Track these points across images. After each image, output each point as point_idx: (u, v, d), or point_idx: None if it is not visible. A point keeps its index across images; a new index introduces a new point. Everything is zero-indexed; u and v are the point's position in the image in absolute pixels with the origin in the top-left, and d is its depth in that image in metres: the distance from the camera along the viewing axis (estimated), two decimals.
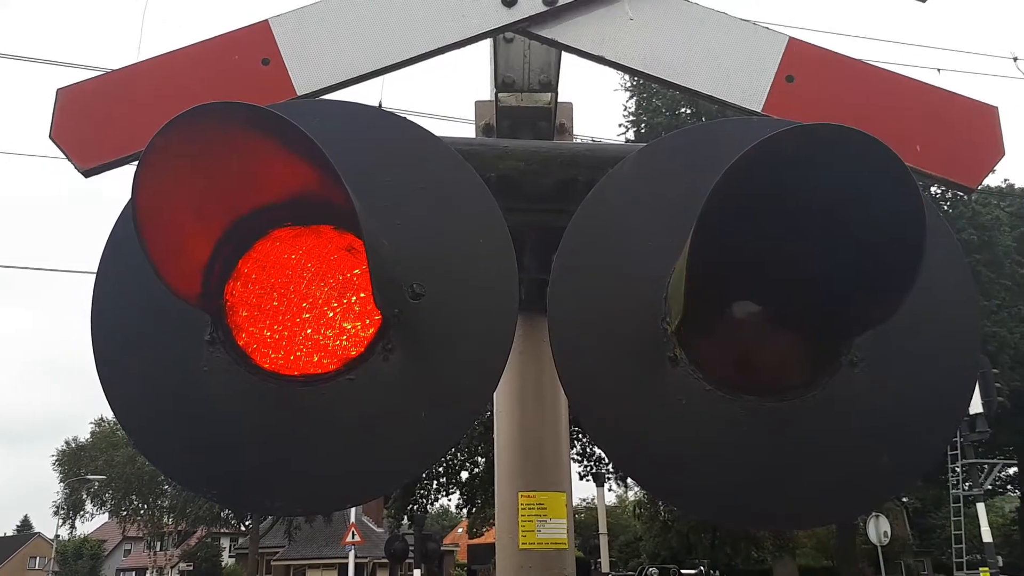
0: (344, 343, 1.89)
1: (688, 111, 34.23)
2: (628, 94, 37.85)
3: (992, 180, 40.31)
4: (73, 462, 61.38)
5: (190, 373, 1.83)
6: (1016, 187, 42.12)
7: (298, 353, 1.88)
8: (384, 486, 1.83)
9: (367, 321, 1.90)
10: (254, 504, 1.87)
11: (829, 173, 1.50)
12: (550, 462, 3.10)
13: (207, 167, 1.62)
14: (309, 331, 1.91)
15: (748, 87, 2.42)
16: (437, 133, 2.05)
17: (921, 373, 1.82)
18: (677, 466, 1.80)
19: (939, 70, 21.53)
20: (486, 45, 3.29)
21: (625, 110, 38.17)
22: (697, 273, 1.57)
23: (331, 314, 1.93)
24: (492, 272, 1.88)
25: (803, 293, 1.78)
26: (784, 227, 1.66)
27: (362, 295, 1.91)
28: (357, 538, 30.03)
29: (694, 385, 1.79)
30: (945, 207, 36.63)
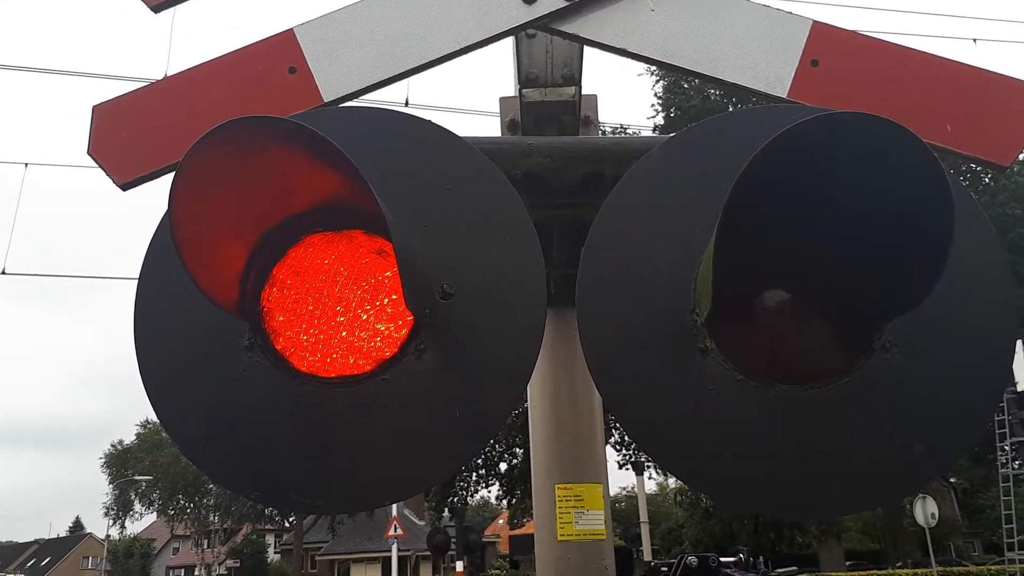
0: (378, 344, 1.92)
1: (718, 93, 33.85)
2: (655, 79, 37.59)
3: None
4: (120, 464, 62.85)
5: (230, 378, 1.88)
6: None
7: (334, 355, 1.92)
8: (420, 483, 1.87)
9: (400, 322, 1.93)
10: (295, 504, 1.92)
11: (854, 160, 1.49)
12: (585, 454, 3.12)
13: (239, 179, 1.66)
14: (344, 333, 1.95)
15: (772, 73, 2.40)
16: (464, 128, 2.07)
17: (956, 356, 1.80)
18: (710, 456, 1.81)
19: (975, 40, 20.99)
20: (509, 41, 3.31)
21: (654, 94, 37.93)
22: (724, 263, 1.57)
23: (364, 316, 1.97)
24: (520, 269, 1.90)
25: (832, 280, 1.77)
26: (810, 215, 1.66)
27: (394, 297, 1.94)
28: (399, 531, 30.38)
29: (725, 375, 1.80)
30: (987, 180, 35.81)
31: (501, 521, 70.11)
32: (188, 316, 1.92)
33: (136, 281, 2.02)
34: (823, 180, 1.56)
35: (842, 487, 1.80)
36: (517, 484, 41.17)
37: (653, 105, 37.90)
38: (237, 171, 1.62)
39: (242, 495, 2.01)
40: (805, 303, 1.86)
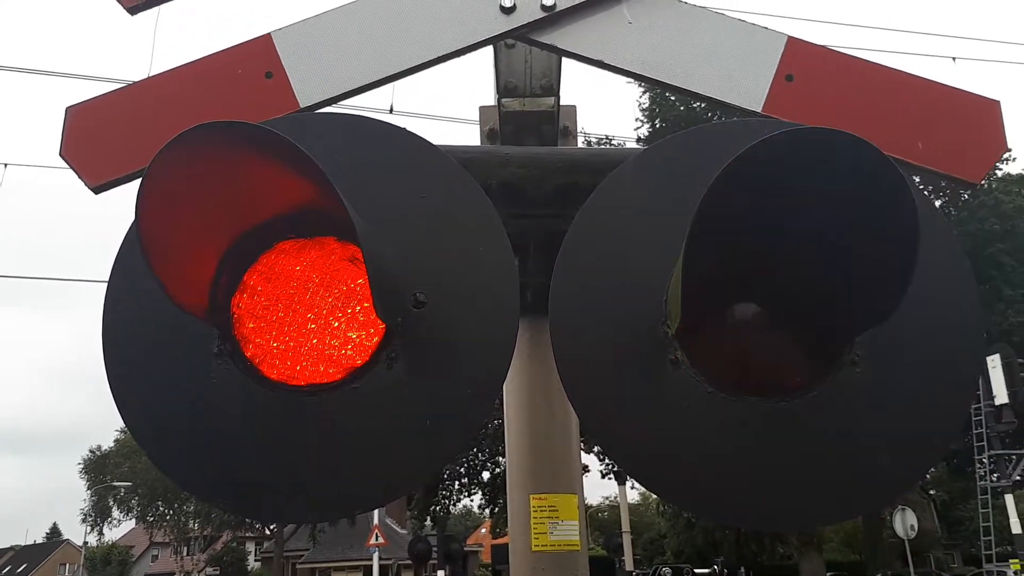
0: (349, 352, 1.91)
1: (702, 105, 34.09)
2: (641, 90, 37.80)
3: (1015, 168, 39.81)
4: (99, 469, 62.14)
5: (199, 385, 1.87)
6: None
7: (304, 363, 1.91)
8: (391, 493, 1.86)
9: (371, 330, 1.92)
10: (264, 512, 1.91)
11: (822, 175, 1.50)
12: (560, 465, 3.11)
13: (209, 184, 1.65)
14: (315, 341, 1.93)
15: (748, 87, 2.42)
16: (450, 136, 2.07)
17: (923, 370, 1.81)
18: (680, 468, 1.81)
19: (954, 59, 21.29)
20: (489, 50, 3.31)
21: (639, 106, 38.16)
22: (694, 276, 1.58)
23: (336, 324, 1.95)
24: (493, 278, 1.90)
25: (801, 294, 1.78)
26: (779, 229, 1.67)
27: (366, 305, 1.93)
28: (381, 540, 30.15)
29: (696, 387, 1.80)
30: (965, 196, 36.23)
31: (484, 530, 69.91)
32: (157, 323, 1.90)
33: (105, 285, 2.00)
34: (790, 194, 1.57)
35: (811, 499, 1.80)
36: (500, 493, 41.08)
37: (638, 117, 38.16)
38: (205, 176, 1.61)
39: (211, 503, 2.00)
40: (774, 316, 1.86)
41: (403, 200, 1.96)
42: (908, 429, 1.80)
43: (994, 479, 24.01)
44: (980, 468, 24.90)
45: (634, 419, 1.82)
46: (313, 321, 1.95)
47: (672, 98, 35.65)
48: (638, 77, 2.50)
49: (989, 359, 21.42)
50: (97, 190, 2.39)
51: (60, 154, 2.40)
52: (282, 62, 2.47)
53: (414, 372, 1.86)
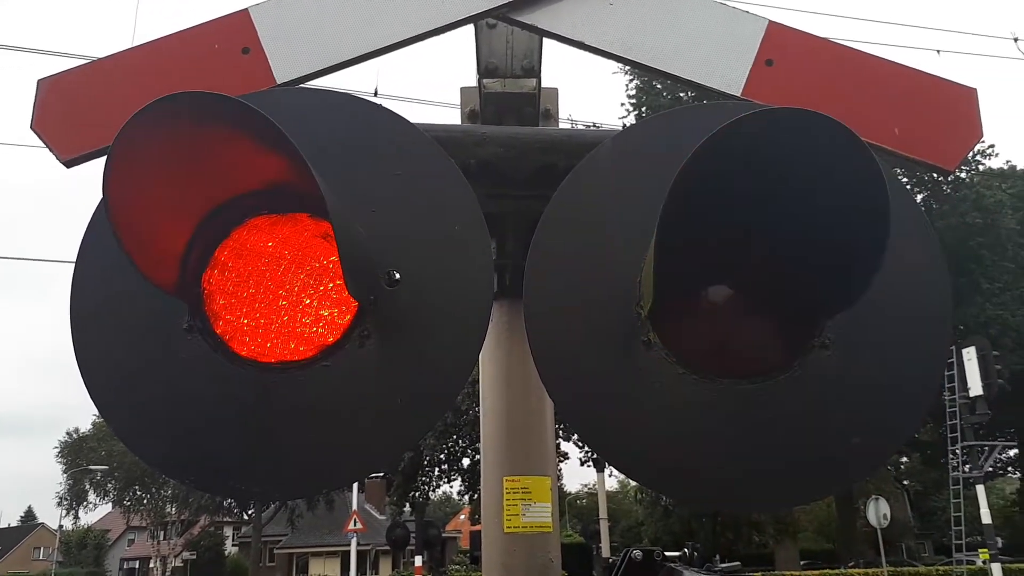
0: (320, 330, 1.90)
1: (690, 93, 34.11)
2: (629, 77, 37.78)
3: (995, 163, 40.27)
4: (75, 453, 61.65)
5: (168, 361, 1.85)
6: (1019, 169, 42.04)
7: (274, 340, 1.89)
8: (359, 471, 1.85)
9: (343, 308, 1.91)
10: (230, 490, 1.89)
11: (792, 157, 1.50)
12: (535, 446, 3.12)
13: (178, 157, 1.63)
14: (286, 318, 1.92)
15: (727, 72, 2.41)
16: (427, 119, 2.05)
17: (892, 354, 1.83)
18: (651, 449, 1.82)
19: (939, 51, 21.44)
20: (471, 30, 3.29)
21: (627, 94, 38.15)
22: (665, 257, 1.58)
23: (308, 301, 1.94)
24: (467, 258, 1.89)
25: (772, 276, 1.78)
26: (750, 210, 1.67)
27: (338, 282, 1.91)
28: (359, 525, 30.19)
29: (668, 368, 1.81)
30: (946, 190, 36.61)
31: (463, 516, 70.12)
32: (126, 299, 1.88)
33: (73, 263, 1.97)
34: (762, 175, 1.57)
35: (781, 480, 1.82)
36: (479, 480, 41.17)
37: (624, 104, 38.14)
38: (173, 149, 1.58)
39: (177, 480, 1.98)
40: (745, 299, 1.87)
41: (378, 178, 1.95)
42: (874, 413, 1.81)
43: (966, 470, 24.38)
44: (953, 459, 25.26)
45: (606, 399, 1.82)
46: (284, 298, 1.93)
47: (658, 86, 35.67)
48: (618, 59, 2.49)
49: (965, 351, 21.68)
50: (69, 164, 2.35)
51: (31, 127, 2.35)
52: (259, 38, 2.44)
53: (385, 350, 1.84)
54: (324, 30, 2.46)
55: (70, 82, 2.41)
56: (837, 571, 34.43)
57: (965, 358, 21.72)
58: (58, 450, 63.86)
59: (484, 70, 3.11)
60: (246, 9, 2.50)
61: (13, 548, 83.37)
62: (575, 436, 34.88)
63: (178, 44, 2.46)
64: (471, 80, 3.44)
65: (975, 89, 2.33)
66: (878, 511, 27.24)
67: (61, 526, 66.21)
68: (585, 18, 2.46)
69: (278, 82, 2.42)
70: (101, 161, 2.39)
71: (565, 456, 41.58)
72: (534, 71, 3.10)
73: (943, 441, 26.65)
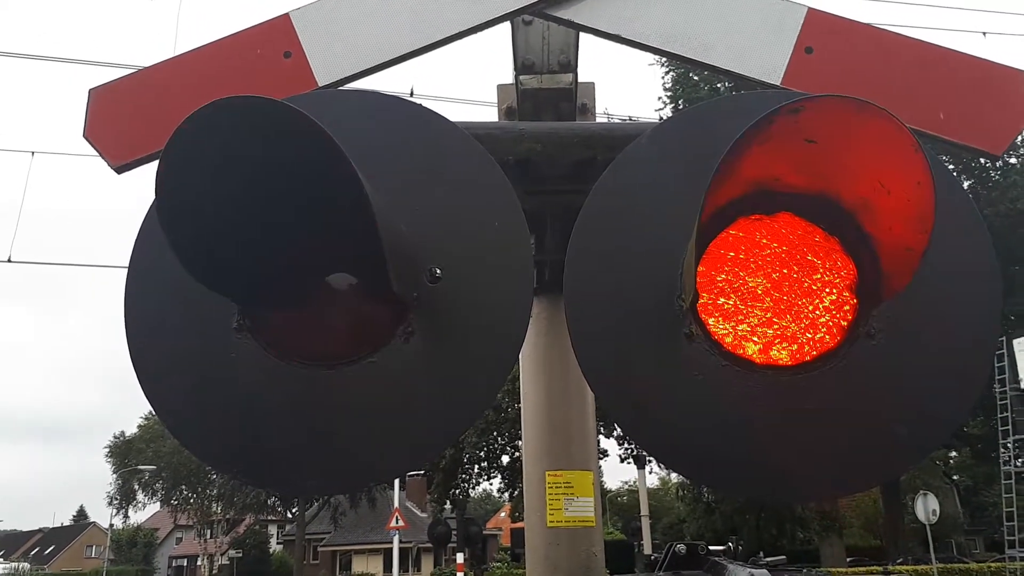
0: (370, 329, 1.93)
1: (728, 84, 33.64)
2: (665, 70, 37.42)
3: None
4: (124, 454, 63.05)
5: (220, 360, 1.90)
6: None
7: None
8: (405, 465, 1.88)
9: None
10: (282, 484, 1.94)
11: (828, 143, 1.49)
12: (576, 441, 3.13)
13: (230, 160, 1.67)
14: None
15: (767, 60, 2.39)
16: (464, 117, 2.07)
17: (939, 344, 1.80)
18: (695, 441, 1.81)
19: (984, 34, 20.85)
20: (507, 28, 3.30)
21: (663, 86, 37.82)
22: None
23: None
24: (507, 254, 1.91)
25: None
26: (792, 198, 1.66)
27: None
28: (401, 523, 30.42)
29: (710, 360, 1.80)
30: (995, 176, 35.62)
31: (503, 514, 70.26)
32: (178, 298, 1.93)
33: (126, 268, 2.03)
34: (797, 162, 1.56)
35: (826, 469, 1.81)
36: (519, 477, 41.22)
37: (660, 97, 37.81)
38: (225, 151, 1.62)
39: (230, 476, 2.03)
40: (787, 288, 1.86)
41: (419, 175, 1.97)
42: (920, 403, 1.79)
43: (1018, 464, 23.76)
44: (1004, 453, 24.64)
45: (648, 392, 1.83)
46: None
47: (695, 78, 35.25)
48: (656, 51, 2.49)
49: (1016, 342, 21.14)
50: (120, 170, 2.42)
51: (84, 135, 2.43)
52: (300, 41, 2.49)
53: (429, 346, 1.87)
54: (362, 33, 2.50)
55: (119, 91, 2.48)
56: (880, 567, 33.68)
57: (1016, 349, 21.17)
58: (107, 451, 65.44)
59: (521, 66, 3.12)
60: (287, 14, 2.55)
61: (67, 546, 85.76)
62: (615, 433, 34.75)
63: (221, 50, 2.52)
64: (504, 78, 3.46)
65: (1022, 71, 2.28)
66: (927, 507, 26.66)
67: (112, 525, 67.87)
68: (622, 12, 2.46)
69: (319, 84, 2.47)
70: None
71: (604, 453, 41.41)
72: (570, 66, 3.10)
73: (993, 434, 26.01)
